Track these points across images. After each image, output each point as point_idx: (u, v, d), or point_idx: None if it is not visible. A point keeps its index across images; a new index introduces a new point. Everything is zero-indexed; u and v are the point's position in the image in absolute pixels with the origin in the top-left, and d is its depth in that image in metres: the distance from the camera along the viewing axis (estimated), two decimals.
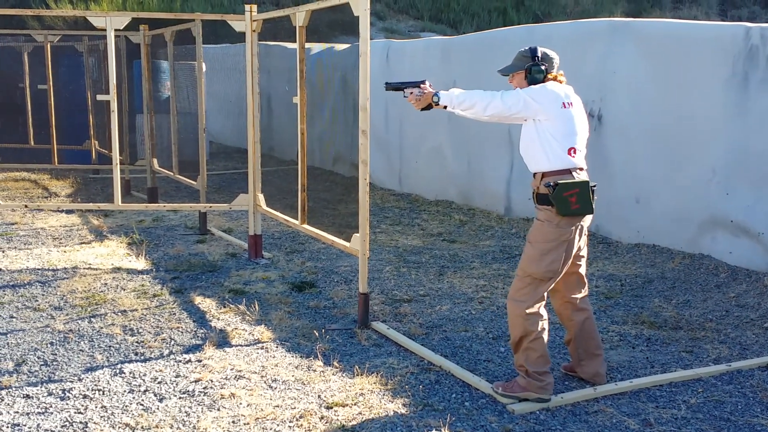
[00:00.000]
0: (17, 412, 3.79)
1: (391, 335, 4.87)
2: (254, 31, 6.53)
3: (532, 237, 3.88)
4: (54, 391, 4.04)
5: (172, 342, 4.77)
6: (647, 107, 6.84)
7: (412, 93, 4.03)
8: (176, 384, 4.13)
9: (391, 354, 4.61)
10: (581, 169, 3.85)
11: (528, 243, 3.90)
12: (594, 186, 3.81)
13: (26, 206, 7.44)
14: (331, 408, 3.84)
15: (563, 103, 3.79)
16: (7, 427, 3.64)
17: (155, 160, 9.05)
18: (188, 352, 4.60)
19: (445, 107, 3.97)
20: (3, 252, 6.95)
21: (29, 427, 3.63)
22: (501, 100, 3.82)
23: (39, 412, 3.79)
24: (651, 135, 6.81)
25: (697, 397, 4.03)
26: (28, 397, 3.97)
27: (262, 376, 4.25)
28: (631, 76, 6.95)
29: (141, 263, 6.60)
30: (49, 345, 4.70)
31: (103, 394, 4.01)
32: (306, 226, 6.00)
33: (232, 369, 4.34)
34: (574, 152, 3.80)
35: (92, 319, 5.19)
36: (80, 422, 3.68)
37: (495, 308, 5.47)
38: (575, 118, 3.84)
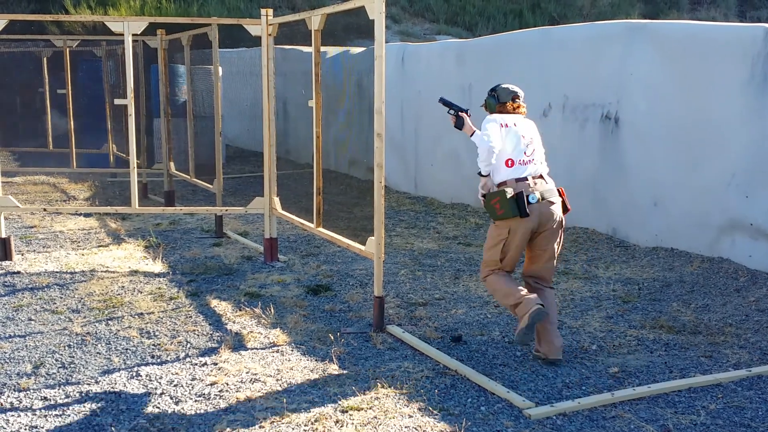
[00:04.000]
0: (35, 414, 3.81)
1: (406, 339, 4.86)
2: (270, 35, 6.55)
3: (488, 232, 4.62)
4: (71, 393, 4.06)
5: (188, 345, 4.79)
6: (665, 109, 6.79)
7: (455, 117, 4.69)
8: (192, 387, 4.14)
9: (407, 358, 4.59)
10: (520, 179, 4.41)
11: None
12: (529, 194, 4.34)
13: (45, 209, 7.51)
14: (347, 412, 3.83)
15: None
16: (25, 429, 3.66)
17: (172, 164, 9.10)
18: (204, 355, 4.61)
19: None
20: (22, 255, 7.00)
21: (47, 429, 3.65)
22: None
23: (57, 414, 3.81)
24: (668, 137, 6.76)
25: (717, 402, 3.99)
26: (45, 399, 3.99)
27: (277, 380, 4.25)
28: (649, 78, 6.90)
29: (158, 266, 6.64)
30: (66, 347, 4.73)
31: (120, 396, 4.03)
32: (321, 229, 6.00)
33: (247, 372, 4.34)
34: (512, 163, 4.45)
35: (109, 321, 5.22)
36: (97, 424, 3.70)
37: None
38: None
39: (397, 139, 10.32)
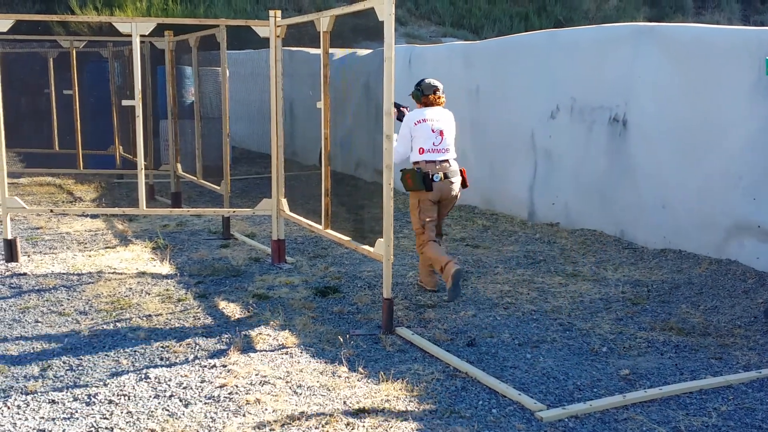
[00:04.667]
0: (43, 418, 3.80)
1: (415, 341, 4.85)
2: (278, 36, 6.54)
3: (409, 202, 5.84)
4: (79, 396, 4.05)
5: (197, 347, 4.78)
6: (672, 112, 6.77)
7: (397, 112, 5.75)
8: (201, 389, 4.13)
9: (416, 360, 4.58)
10: (430, 162, 5.60)
11: None
12: (434, 174, 5.55)
13: (51, 211, 7.51)
14: (357, 414, 3.82)
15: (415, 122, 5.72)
16: None
17: (179, 165, 9.10)
18: (213, 357, 4.60)
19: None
20: (28, 256, 7.01)
21: None
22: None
23: (64, 418, 3.80)
24: (676, 140, 6.73)
25: (728, 404, 3.97)
26: (53, 402, 3.98)
27: (287, 382, 4.23)
28: (656, 81, 6.88)
29: (165, 268, 6.63)
30: (74, 350, 4.72)
31: (129, 399, 4.02)
32: (330, 231, 5.99)
33: (257, 374, 4.33)
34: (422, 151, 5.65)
35: (117, 323, 5.21)
36: (106, 428, 3.69)
37: (520, 314, 5.42)
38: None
39: None
